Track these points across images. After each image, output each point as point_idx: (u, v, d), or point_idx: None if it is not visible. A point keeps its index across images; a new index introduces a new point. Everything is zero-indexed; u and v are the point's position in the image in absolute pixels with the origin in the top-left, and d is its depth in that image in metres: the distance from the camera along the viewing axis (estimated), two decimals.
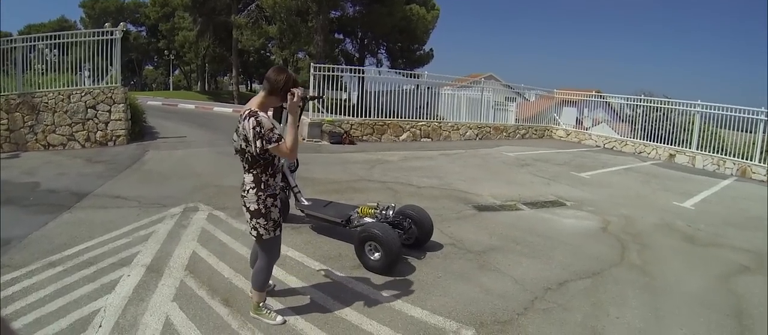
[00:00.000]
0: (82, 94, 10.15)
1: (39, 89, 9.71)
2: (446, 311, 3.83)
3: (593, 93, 16.05)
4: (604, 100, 16.06)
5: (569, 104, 16.40)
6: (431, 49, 35.59)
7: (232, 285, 4.15)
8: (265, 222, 3.29)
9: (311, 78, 12.52)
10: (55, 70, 10.19)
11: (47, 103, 9.62)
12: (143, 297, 3.82)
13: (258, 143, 3.02)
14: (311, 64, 13.36)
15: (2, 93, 9.29)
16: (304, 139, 12.45)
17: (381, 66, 35.95)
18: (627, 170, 10.78)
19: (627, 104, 14.87)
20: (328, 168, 9.43)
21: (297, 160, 5.69)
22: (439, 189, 8.12)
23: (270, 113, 3.29)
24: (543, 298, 4.14)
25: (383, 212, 4.91)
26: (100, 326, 3.36)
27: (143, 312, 3.55)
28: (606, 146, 14.24)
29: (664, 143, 12.94)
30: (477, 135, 14.83)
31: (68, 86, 10.08)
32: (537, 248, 5.32)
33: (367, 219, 4.90)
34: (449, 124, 14.53)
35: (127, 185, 7.41)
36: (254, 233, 3.34)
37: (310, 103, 12.66)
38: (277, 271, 4.46)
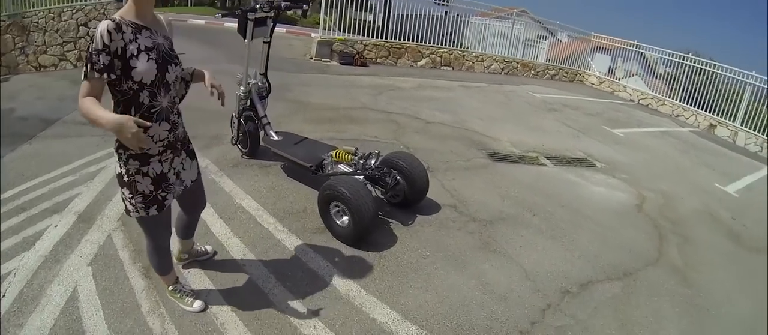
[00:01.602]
0: (74, 11, 8.98)
1: (30, 8, 8.62)
2: (422, 317, 2.65)
3: (634, 44, 13.64)
4: (640, 52, 13.68)
5: (602, 51, 14.18)
6: None
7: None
8: (130, 195, 2.10)
9: None
10: None
11: (37, 22, 8.60)
12: (60, 257, 3.01)
13: (85, 68, 1.81)
14: None
15: None
16: (311, 58, 10.89)
17: None
18: (664, 133, 8.97)
19: (666, 60, 12.63)
20: (328, 92, 8.01)
21: (268, 83, 4.32)
22: (450, 127, 6.68)
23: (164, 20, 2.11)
24: (558, 307, 2.90)
25: (362, 160, 3.62)
26: (3, 296, 2.66)
27: (53, 279, 2.81)
28: (641, 101, 12.19)
29: (705, 111, 10.93)
30: (503, 70, 12.92)
31: (59, 3, 8.93)
32: (558, 225, 4.00)
33: (342, 167, 3.62)
34: (474, 54, 12.62)
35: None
36: (123, 207, 2.20)
37: (321, 19, 10.93)
38: (220, 228, 3.35)
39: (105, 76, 1.80)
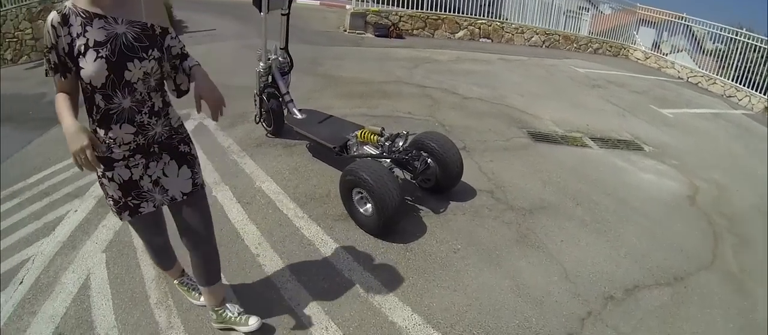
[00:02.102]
0: None
1: None
2: (447, 322, 2.35)
3: (683, 16, 12.19)
4: (688, 26, 12.19)
5: (647, 24, 12.79)
6: None
7: (175, 232, 2.85)
8: (105, 196, 1.83)
9: None
10: None
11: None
12: (77, 243, 2.94)
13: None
14: None
15: (24, 2, 8.25)
16: (345, 30, 10.47)
17: None
18: (715, 115, 7.92)
19: (716, 35, 11.20)
20: (362, 65, 7.63)
21: (290, 58, 4.02)
22: (489, 103, 6.19)
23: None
24: (599, 317, 2.52)
25: (389, 141, 3.26)
26: (21, 283, 2.62)
27: (68, 266, 2.73)
28: (690, 79, 10.90)
29: (759, 92, 9.61)
30: (544, 42, 12.01)
31: None
32: (603, 217, 3.55)
33: (368, 149, 3.30)
34: (513, 25, 11.77)
35: None
36: None
37: None
38: (237, 213, 3.15)
39: (60, 76, 1.54)
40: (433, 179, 3.33)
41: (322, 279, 2.59)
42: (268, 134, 4.30)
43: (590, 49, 12.61)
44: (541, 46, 12.03)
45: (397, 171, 3.21)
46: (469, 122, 5.33)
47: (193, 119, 4.75)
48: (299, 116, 3.82)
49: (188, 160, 1.85)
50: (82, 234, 3.03)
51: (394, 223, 2.88)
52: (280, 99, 3.96)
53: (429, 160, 3.23)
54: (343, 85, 6.35)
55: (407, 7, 11.00)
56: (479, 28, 11.50)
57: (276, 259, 2.73)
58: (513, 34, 11.83)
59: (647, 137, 5.69)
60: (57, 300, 2.47)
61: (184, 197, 1.85)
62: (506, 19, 12.03)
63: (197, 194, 1.90)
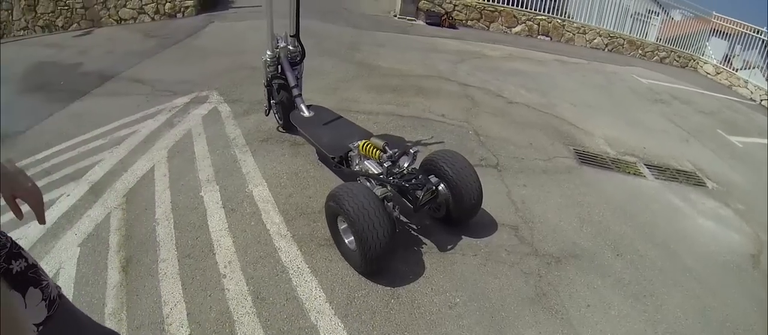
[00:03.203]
0: None
1: None
2: None
3: (761, 30, 10.19)
4: (765, 42, 10.14)
5: (720, 35, 10.85)
6: None
7: (151, 233, 2.69)
8: None
9: None
10: None
11: None
12: (59, 232, 2.75)
13: None
14: None
15: None
16: (395, 15, 9.78)
17: None
18: None
19: None
20: (403, 55, 6.98)
21: (302, 47, 3.49)
22: (536, 111, 5.37)
23: None
24: None
25: (390, 162, 2.62)
26: None
27: (43, 257, 2.57)
28: (762, 102, 9.13)
29: None
30: (606, 45, 10.61)
31: None
32: (646, 275, 2.76)
33: (369, 165, 2.73)
34: (575, 24, 10.49)
35: (158, 65, 5.86)
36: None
37: None
38: (218, 221, 2.80)
39: None
40: (444, 209, 2.72)
41: (284, 318, 2.12)
42: (279, 128, 3.85)
43: (656, 57, 11.05)
44: (603, 50, 10.70)
45: (392, 203, 2.49)
46: (508, 132, 4.59)
47: (209, 103, 4.41)
48: (306, 114, 3.31)
49: (30, 278, 1.16)
50: (66, 223, 2.82)
51: (379, 266, 2.32)
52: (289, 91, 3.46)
53: (440, 186, 2.60)
54: (377, 76, 5.77)
55: None
56: (538, 24, 10.39)
57: (241, 285, 2.29)
58: (574, 34, 10.60)
59: (711, 170, 4.67)
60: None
61: (41, 328, 1.14)
62: (568, 17, 10.78)
63: (58, 313, 1.21)
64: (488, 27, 10.25)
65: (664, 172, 4.31)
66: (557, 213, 3.23)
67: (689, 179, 4.31)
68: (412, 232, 2.76)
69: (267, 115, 3.80)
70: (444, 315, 2.21)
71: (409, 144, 3.82)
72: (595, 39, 10.65)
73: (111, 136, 3.80)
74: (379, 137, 2.87)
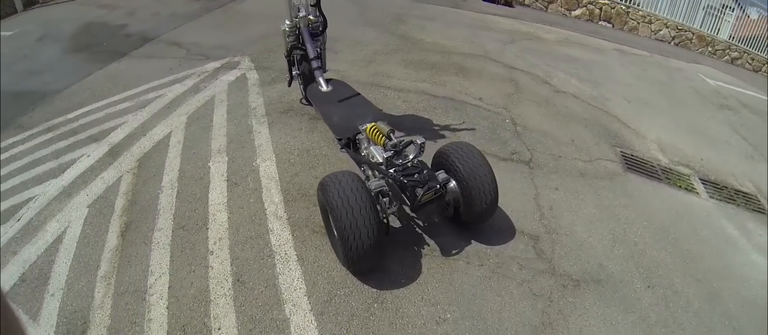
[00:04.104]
0: None
1: None
2: None
3: None
4: None
5: None
6: None
7: (154, 201, 2.63)
8: None
9: None
10: None
11: None
12: (73, 191, 2.77)
13: None
14: None
15: None
16: None
17: None
18: None
19: None
20: (451, 31, 6.45)
21: (323, 17, 3.18)
22: (584, 103, 4.74)
23: None
24: None
25: (394, 150, 2.25)
26: (18, 220, 2.57)
27: (56, 214, 2.59)
28: None
29: None
30: (673, 38, 9.21)
31: None
32: (678, 317, 2.28)
33: (374, 151, 2.41)
34: (641, 12, 9.16)
35: (197, 28, 5.74)
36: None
37: None
38: (218, 194, 2.69)
39: None
40: (452, 209, 2.39)
41: (258, 305, 1.96)
42: (303, 101, 3.62)
43: (727, 57, 9.47)
44: (669, 43, 9.36)
45: (386, 198, 2.16)
46: (550, 124, 4.07)
47: (239, 69, 4.26)
48: (324, 89, 3.02)
49: None
50: (82, 183, 2.83)
51: (362, 268, 2.08)
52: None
53: (450, 184, 2.26)
54: (418, 51, 5.36)
55: None
56: (600, 8, 9.26)
57: (226, 264, 2.15)
58: (638, 23, 9.35)
59: None
60: (34, 246, 2.38)
61: None
62: (634, 4, 9.47)
63: None
64: (546, 8, 9.31)
65: (720, 191, 3.65)
66: (588, 226, 2.78)
67: (749, 202, 3.61)
68: (416, 229, 2.47)
69: (289, 86, 3.58)
70: (428, 331, 1.93)
71: (424, 132, 3.46)
72: (661, 30, 9.35)
73: (139, 99, 3.77)
74: (385, 124, 2.49)
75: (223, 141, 3.09)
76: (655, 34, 9.38)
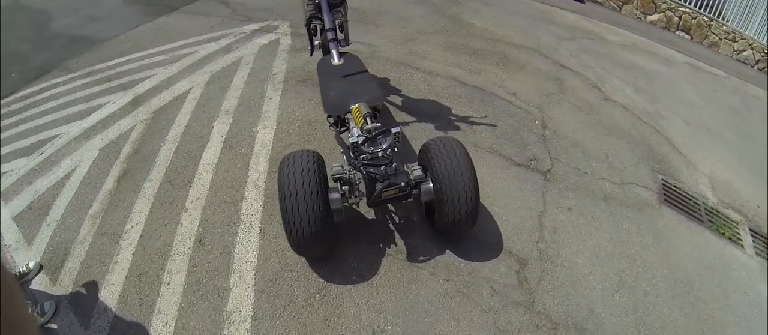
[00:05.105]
0: None
1: None
2: None
3: None
4: None
5: None
6: None
7: (154, 153, 2.70)
8: None
9: None
10: None
11: None
12: (91, 134, 2.90)
13: None
14: None
15: None
16: None
17: None
18: None
19: None
20: (508, 18, 5.89)
21: None
22: (634, 118, 4.10)
23: None
24: None
25: (366, 137, 1.99)
26: (41, 154, 2.74)
27: (71, 153, 2.72)
28: None
29: None
30: (757, 62, 7.38)
31: None
32: None
33: (353, 132, 2.12)
34: (725, 28, 7.62)
35: None
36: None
37: None
38: (210, 155, 2.71)
39: None
40: (424, 212, 2.16)
41: (208, 270, 1.95)
42: None
43: None
44: (753, 66, 7.69)
45: (345, 187, 1.96)
46: (585, 134, 3.57)
47: (275, 34, 4.18)
48: (335, 62, 2.83)
49: None
50: (101, 127, 2.98)
51: (305, 255, 1.94)
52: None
53: (425, 184, 1.98)
54: (463, 35, 4.95)
55: None
56: (680, 16, 7.89)
57: (194, 224, 2.16)
58: (720, 39, 7.83)
59: None
60: (46, 179, 2.56)
61: None
62: (720, 17, 7.92)
63: None
64: (620, 8, 8.17)
65: None
66: (592, 261, 2.35)
67: None
68: (389, 225, 2.27)
69: (311, 55, 3.44)
70: None
71: (434, 121, 3.17)
72: (745, 51, 7.76)
73: (173, 53, 3.84)
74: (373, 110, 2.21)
75: (234, 103, 3.07)
76: (738, 54, 7.86)
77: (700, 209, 3.12)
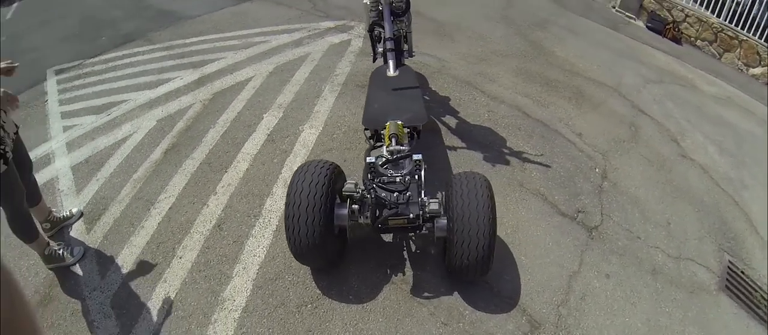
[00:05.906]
0: None
1: None
2: None
3: None
4: None
5: None
6: None
7: (204, 133, 2.82)
8: None
9: None
10: None
11: None
12: (154, 104, 3.12)
13: None
14: None
15: None
16: (614, 7, 7.52)
17: None
18: None
19: None
20: (592, 51, 5.37)
21: None
22: (711, 183, 3.50)
23: None
24: None
25: (391, 155, 1.92)
26: (108, 115, 2.97)
27: (132, 119, 2.92)
28: None
29: None
30: None
31: None
32: None
33: (384, 151, 2.04)
34: None
35: None
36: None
37: None
38: (251, 146, 2.74)
39: None
40: (436, 249, 2.00)
41: (217, 255, 2.00)
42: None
43: None
44: None
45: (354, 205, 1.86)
46: (649, 193, 3.11)
47: (348, 34, 4.18)
48: (390, 73, 2.74)
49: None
50: (164, 100, 3.16)
51: (302, 263, 1.87)
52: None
53: (439, 221, 1.81)
54: (541, 63, 4.60)
55: (701, 5, 6.99)
56: None
57: (219, 208, 2.22)
58: None
59: None
60: (107, 138, 2.79)
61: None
62: None
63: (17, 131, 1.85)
64: (720, 56, 7.08)
65: None
66: None
67: None
68: (403, 252, 2.15)
69: (374, 62, 3.39)
70: None
71: (484, 151, 2.94)
72: None
73: (246, 40, 4.00)
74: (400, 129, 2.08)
75: (289, 98, 3.12)
76: None
77: (752, 300, 2.60)
